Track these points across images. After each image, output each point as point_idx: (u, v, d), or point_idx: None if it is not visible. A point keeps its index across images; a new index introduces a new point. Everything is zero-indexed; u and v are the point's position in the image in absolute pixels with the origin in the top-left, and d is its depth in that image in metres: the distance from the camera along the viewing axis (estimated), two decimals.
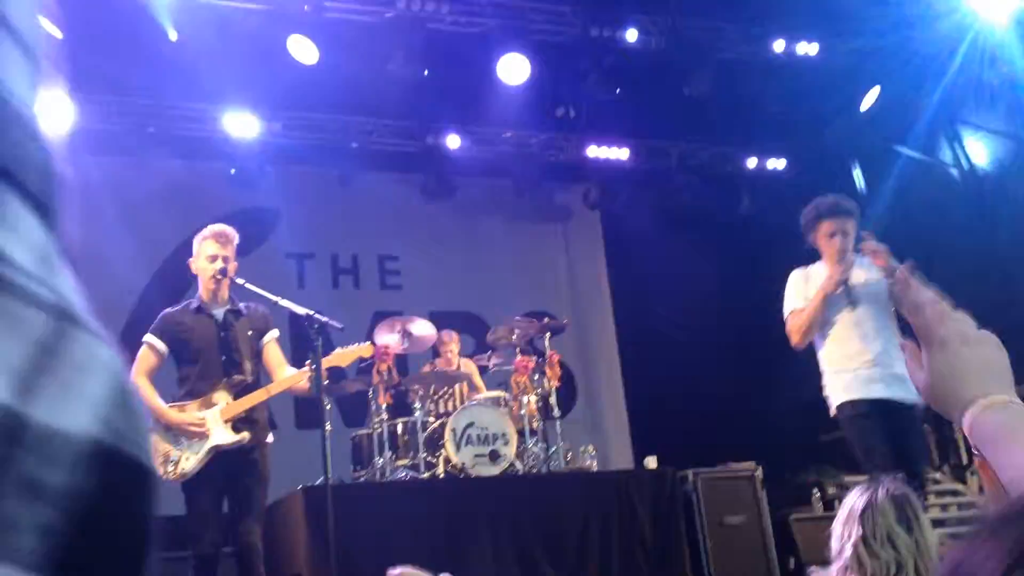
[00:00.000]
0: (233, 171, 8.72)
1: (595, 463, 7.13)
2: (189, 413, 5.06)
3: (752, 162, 10.39)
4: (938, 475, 7.85)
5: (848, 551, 2.62)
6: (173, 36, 7.31)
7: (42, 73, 0.33)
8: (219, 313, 5.25)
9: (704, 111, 9.27)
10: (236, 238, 5.33)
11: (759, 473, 6.97)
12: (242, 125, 8.50)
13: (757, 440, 8.35)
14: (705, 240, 10.38)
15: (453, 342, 7.65)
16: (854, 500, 2.67)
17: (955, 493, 7.77)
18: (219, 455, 5.01)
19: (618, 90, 8.86)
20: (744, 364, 9.93)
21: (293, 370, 5.29)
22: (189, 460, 5.00)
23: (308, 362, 5.16)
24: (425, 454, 6.45)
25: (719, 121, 9.55)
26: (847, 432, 4.99)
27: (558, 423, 7.07)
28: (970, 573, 0.78)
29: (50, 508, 0.28)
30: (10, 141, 0.29)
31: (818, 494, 7.98)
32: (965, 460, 7.81)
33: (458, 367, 7.44)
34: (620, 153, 10.02)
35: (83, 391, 0.30)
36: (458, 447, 6.39)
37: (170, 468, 5.00)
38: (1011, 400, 1.23)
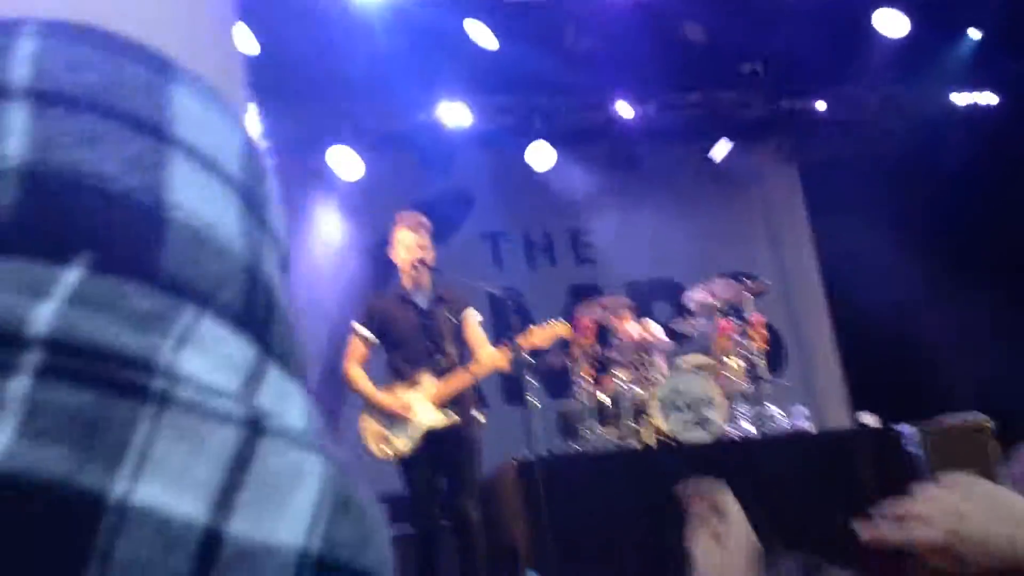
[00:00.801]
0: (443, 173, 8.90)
1: (811, 424, 6.88)
2: (396, 396, 5.23)
3: (961, 100, 9.71)
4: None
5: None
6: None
7: (251, 198, 0.33)
8: (421, 301, 5.40)
9: (899, 48, 8.73)
10: (430, 225, 5.45)
11: (991, 425, 6.53)
12: (434, 113, 8.69)
13: (986, 393, 7.84)
14: (914, 188, 9.80)
15: (625, 318, 7.40)
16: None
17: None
18: (431, 437, 5.16)
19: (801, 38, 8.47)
20: (969, 312, 9.34)
21: (493, 349, 5.37)
22: (403, 442, 5.18)
23: (506, 342, 5.23)
24: (632, 423, 6.41)
25: (917, 58, 8.98)
26: None
27: (768, 386, 6.86)
28: None
29: None
30: (183, 257, 0.30)
31: None
32: None
33: (643, 335, 7.20)
34: (815, 104, 9.60)
35: (286, 503, 0.30)
36: (666, 416, 6.31)
37: (385, 447, 5.20)
38: None
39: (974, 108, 9.69)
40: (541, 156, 9.09)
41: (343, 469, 0.33)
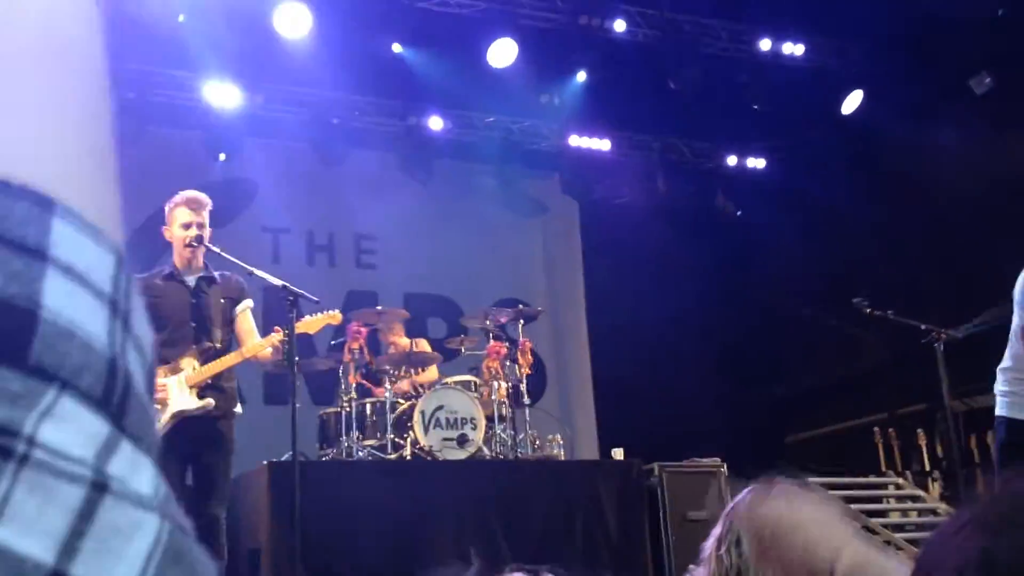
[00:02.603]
0: (223, 157, 8.62)
1: (562, 452, 7.13)
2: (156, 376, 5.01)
3: (732, 160, 10.42)
4: (900, 480, 7.93)
5: (707, 549, 2.59)
6: (181, 18, 7.21)
7: (117, 308, 0.40)
8: (191, 280, 5.21)
9: (688, 106, 9.27)
10: (209, 204, 5.27)
11: (724, 469, 7.00)
12: (223, 95, 8.40)
13: (723, 437, 8.40)
14: (682, 235, 10.41)
15: (397, 331, 7.41)
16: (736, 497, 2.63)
17: (915, 499, 7.85)
18: (184, 423, 4.95)
19: (603, 80, 8.86)
20: (714, 361, 9.99)
21: (261, 339, 5.24)
22: None
23: (277, 328, 5.12)
24: (393, 435, 6.42)
25: (702, 117, 9.56)
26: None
27: (527, 410, 7.06)
28: (931, 571, 0.84)
29: None
30: (51, 349, 0.36)
31: None
32: (928, 467, 7.88)
33: (410, 348, 7.24)
34: (602, 144, 10.01)
35: (123, 551, 0.35)
36: (426, 430, 6.36)
37: None
38: None
39: (742, 168, 10.43)
40: (334, 156, 8.98)
41: (182, 529, 0.38)
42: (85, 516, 0.34)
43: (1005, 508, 0.91)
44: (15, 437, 0.34)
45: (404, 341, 7.26)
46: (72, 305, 0.37)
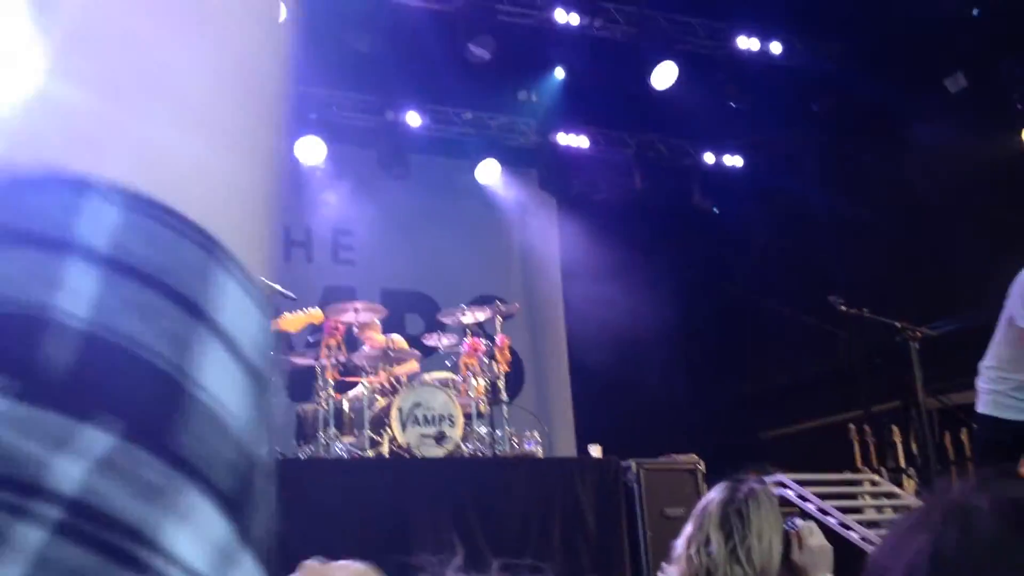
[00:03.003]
0: None
1: (540, 449, 7.13)
2: None
3: (709, 157, 10.46)
4: (875, 477, 7.98)
5: (679, 548, 2.60)
6: None
7: (262, 386, 0.35)
8: None
9: (665, 104, 9.29)
10: None
11: (701, 466, 7.02)
12: None
13: (699, 433, 8.43)
14: (659, 233, 10.44)
15: (374, 328, 7.38)
16: (706, 496, 2.64)
17: (891, 495, 7.91)
18: None
19: (581, 77, 8.87)
20: (690, 358, 10.03)
21: None
22: None
23: None
24: (370, 432, 6.40)
25: (679, 114, 9.59)
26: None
27: (505, 408, 7.06)
28: (883, 569, 0.87)
29: None
30: (196, 436, 0.31)
31: None
32: (903, 463, 7.94)
33: (386, 344, 7.20)
34: (579, 140, 10.02)
35: None
36: (404, 427, 6.34)
37: None
38: None
39: (719, 165, 10.46)
40: (311, 152, 8.95)
41: None
42: None
43: (952, 506, 0.92)
44: (149, 546, 0.30)
45: (380, 338, 7.23)
46: (220, 380, 0.33)
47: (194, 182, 0.35)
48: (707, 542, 2.51)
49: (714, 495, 2.58)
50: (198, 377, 0.32)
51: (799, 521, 2.64)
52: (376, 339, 7.23)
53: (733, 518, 2.51)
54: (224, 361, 0.33)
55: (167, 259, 0.33)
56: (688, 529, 2.58)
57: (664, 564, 2.68)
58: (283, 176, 0.41)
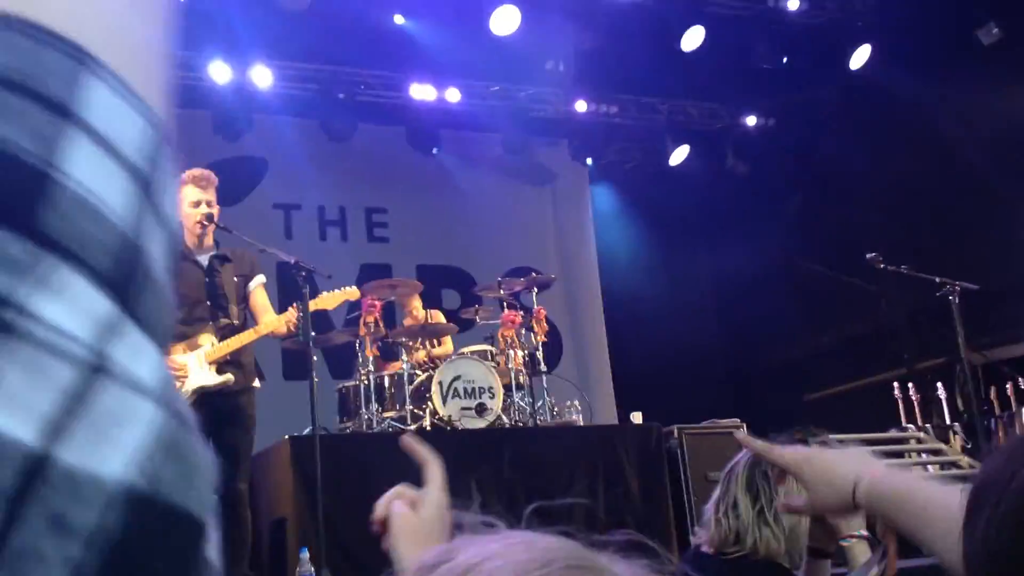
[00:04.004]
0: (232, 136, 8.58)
1: (581, 418, 7.15)
2: (168, 357, 5.02)
3: (741, 120, 10.35)
4: (921, 435, 7.92)
5: (708, 511, 2.58)
6: None
7: (146, 186, 0.36)
8: (204, 258, 5.22)
9: (695, 68, 9.20)
10: (216, 181, 5.27)
11: (744, 429, 7.01)
12: (227, 73, 8.38)
13: (741, 397, 8.41)
14: (691, 197, 10.37)
15: (414, 300, 7.47)
16: (733, 459, 2.62)
17: (937, 452, 7.85)
18: (205, 399, 4.99)
19: (608, 45, 8.79)
20: (730, 323, 9.98)
21: (276, 315, 5.27)
22: None
23: (294, 305, 5.14)
24: (411, 406, 6.45)
25: (709, 78, 9.49)
26: None
27: (544, 378, 7.08)
28: (993, 479, 0.87)
29: (80, 545, 0.30)
30: (64, 218, 0.32)
31: None
32: (949, 420, 7.87)
33: (426, 320, 7.28)
34: (609, 108, 9.95)
35: (117, 440, 0.32)
36: (445, 400, 6.39)
37: None
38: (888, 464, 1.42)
39: (753, 126, 10.34)
40: (342, 131, 8.98)
41: (181, 420, 0.35)
42: (77, 398, 0.31)
43: None
44: (6, 306, 0.31)
45: (421, 312, 7.30)
46: (92, 172, 0.34)
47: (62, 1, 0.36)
48: (735, 504, 2.50)
49: (741, 457, 2.57)
50: (66, 168, 0.33)
51: None
52: (417, 314, 7.31)
53: (759, 480, 2.49)
54: (96, 156, 0.34)
55: (29, 65, 0.34)
56: (716, 492, 2.58)
57: (696, 528, 2.68)
58: (171, 5, 0.41)
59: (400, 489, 1.38)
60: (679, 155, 10.10)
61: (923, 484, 1.34)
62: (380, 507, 1.37)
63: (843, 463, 1.44)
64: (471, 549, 0.68)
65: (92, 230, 0.34)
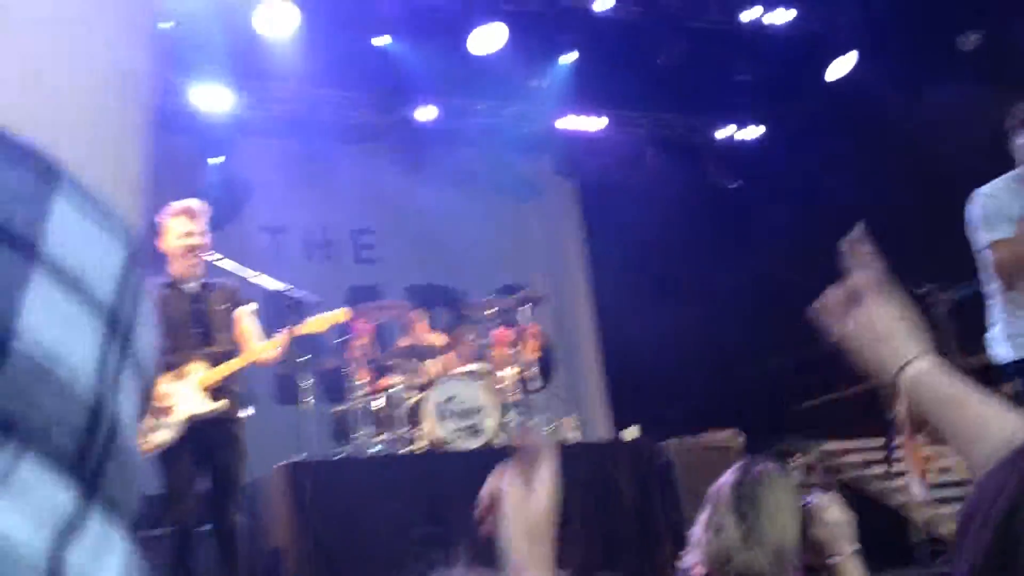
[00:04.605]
0: (217, 160, 8.57)
1: (576, 435, 7.13)
2: (157, 387, 4.99)
3: (725, 132, 10.38)
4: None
5: (695, 533, 2.56)
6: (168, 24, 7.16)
7: (114, 321, 0.31)
8: (191, 287, 5.20)
9: (677, 81, 9.23)
10: (206, 211, 5.25)
11: (740, 441, 7.00)
12: (212, 98, 8.36)
13: (737, 408, 8.39)
14: (679, 210, 10.38)
15: (420, 321, 7.55)
16: (720, 479, 2.60)
17: (928, 459, 7.85)
18: (197, 427, 4.95)
19: (590, 60, 8.82)
20: (724, 334, 9.97)
21: (266, 341, 5.25)
22: (162, 433, 4.94)
23: (284, 329, 5.13)
24: (405, 429, 6.42)
25: (692, 91, 9.52)
26: None
27: (538, 396, 7.06)
28: (983, 499, 0.84)
29: None
30: (37, 403, 0.28)
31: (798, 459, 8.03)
32: None
33: (429, 342, 7.36)
34: (592, 124, 9.98)
35: None
36: (438, 421, 6.36)
37: (145, 441, 4.95)
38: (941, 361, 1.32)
39: (736, 140, 10.38)
40: (326, 152, 8.97)
41: None
42: None
43: None
44: None
45: (426, 336, 7.35)
46: (55, 325, 0.29)
47: (27, 96, 0.31)
48: (720, 526, 2.48)
49: (727, 478, 2.56)
50: (26, 325, 0.28)
51: (815, 496, 2.60)
52: (422, 336, 7.35)
53: (745, 501, 2.48)
54: (61, 303, 0.30)
55: None
56: (703, 514, 2.56)
57: (682, 554, 2.65)
58: (151, 93, 0.36)
59: (506, 470, 1.27)
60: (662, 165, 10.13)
61: (974, 398, 1.26)
62: (489, 486, 1.28)
63: (900, 332, 1.36)
64: None
65: (53, 406, 0.29)
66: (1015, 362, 4.05)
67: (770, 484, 2.50)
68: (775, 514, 2.47)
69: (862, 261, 1.44)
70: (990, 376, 7.19)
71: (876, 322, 1.36)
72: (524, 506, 1.23)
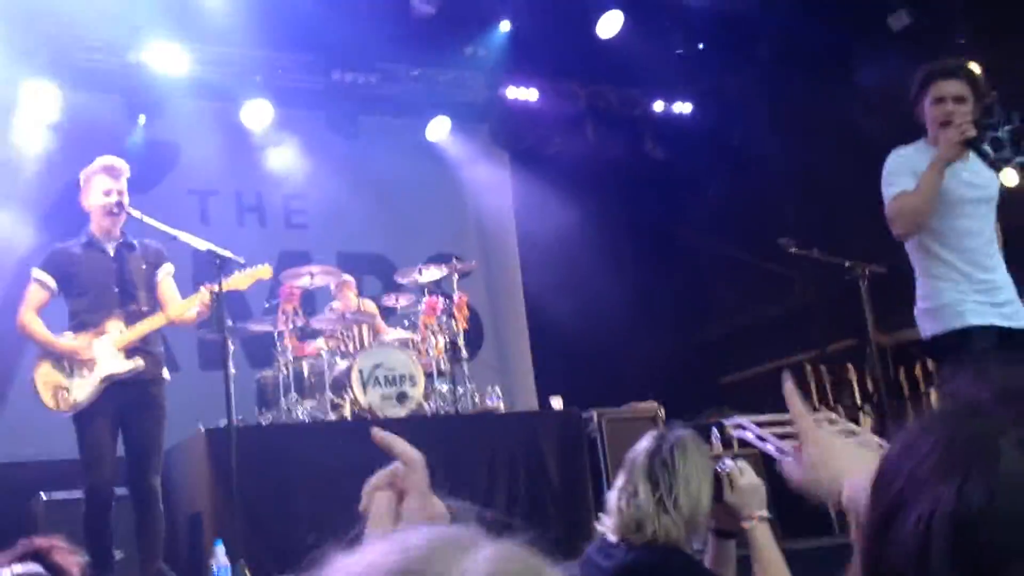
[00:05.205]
0: (143, 119, 8.37)
1: (502, 404, 7.17)
2: (76, 341, 4.92)
3: (659, 106, 10.44)
4: (832, 415, 8.13)
5: (611, 499, 2.62)
6: None
7: None
8: (111, 247, 5.11)
9: (613, 54, 9.24)
10: (127, 171, 5.16)
11: (661, 413, 7.11)
12: (144, 56, 8.15)
13: (660, 381, 8.51)
14: (611, 183, 10.44)
15: (350, 288, 7.52)
16: (634, 447, 2.65)
17: (848, 433, 8.06)
18: (115, 388, 4.88)
19: (527, 29, 8.79)
20: (648, 307, 10.08)
21: (185, 300, 5.17)
22: (82, 389, 4.86)
23: (204, 286, 5.06)
24: (331, 396, 6.39)
25: (628, 63, 9.54)
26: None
27: (465, 365, 7.08)
28: (902, 467, 0.76)
29: None
30: None
31: (717, 434, 8.18)
32: (859, 401, 8.09)
33: (359, 308, 7.33)
34: (529, 94, 9.95)
35: None
36: (365, 388, 6.35)
37: (63, 398, 4.87)
38: None
39: (669, 114, 10.44)
40: (258, 116, 8.81)
41: None
42: None
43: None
44: None
45: (354, 301, 7.30)
46: None
47: None
48: (635, 493, 2.53)
49: (642, 446, 2.60)
50: None
51: (729, 462, 2.67)
52: (351, 301, 7.30)
53: (659, 468, 2.53)
54: None
55: None
56: (619, 481, 2.60)
57: (601, 515, 2.70)
58: None
59: (390, 472, 1.23)
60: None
61: None
62: (365, 494, 1.26)
63: (843, 458, 1.45)
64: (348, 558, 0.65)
65: None
66: (941, 335, 4.13)
67: (684, 452, 2.55)
68: (689, 481, 2.52)
69: (797, 408, 1.54)
70: (913, 352, 7.42)
71: (825, 455, 1.47)
72: (391, 517, 1.19)
